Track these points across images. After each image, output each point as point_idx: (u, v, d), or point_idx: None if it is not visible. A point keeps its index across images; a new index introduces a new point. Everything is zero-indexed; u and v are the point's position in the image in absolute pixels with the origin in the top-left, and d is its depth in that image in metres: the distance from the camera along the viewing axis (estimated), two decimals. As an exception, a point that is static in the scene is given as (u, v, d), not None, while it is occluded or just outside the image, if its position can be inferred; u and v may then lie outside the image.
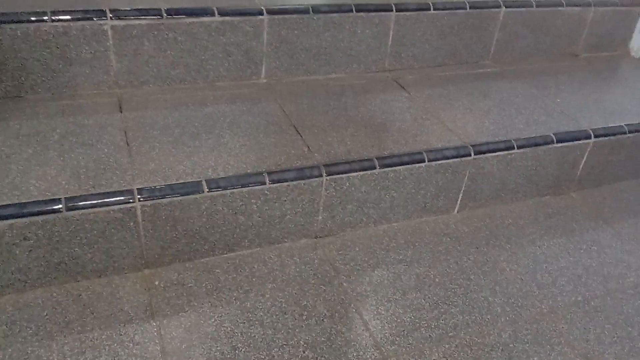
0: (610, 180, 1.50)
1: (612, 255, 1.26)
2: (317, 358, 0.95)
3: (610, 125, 1.42)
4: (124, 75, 1.31)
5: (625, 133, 1.43)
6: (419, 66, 1.58)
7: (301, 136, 1.22)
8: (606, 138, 1.40)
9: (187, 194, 1.02)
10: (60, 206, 0.95)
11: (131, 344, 0.94)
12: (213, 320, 0.99)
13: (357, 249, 1.20)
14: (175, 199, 1.01)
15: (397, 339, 1.00)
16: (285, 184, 1.09)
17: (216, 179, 1.04)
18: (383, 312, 1.06)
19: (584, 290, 1.16)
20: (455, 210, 1.32)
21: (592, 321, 1.08)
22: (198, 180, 1.03)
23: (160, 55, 1.31)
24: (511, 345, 1.01)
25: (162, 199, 1.00)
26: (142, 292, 1.03)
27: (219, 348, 0.94)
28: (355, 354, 0.97)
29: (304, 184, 1.12)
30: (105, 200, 0.98)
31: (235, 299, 1.04)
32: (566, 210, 1.39)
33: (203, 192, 1.02)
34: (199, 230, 1.06)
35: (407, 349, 0.99)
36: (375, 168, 1.18)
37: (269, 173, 1.08)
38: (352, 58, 1.49)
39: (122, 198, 0.99)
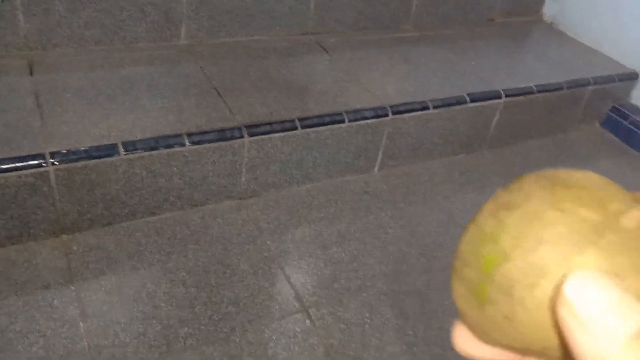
0: (521, 139, 1.60)
1: (519, 207, 1.36)
2: (239, 312, 0.98)
3: (520, 86, 1.50)
4: (35, 37, 1.25)
5: (533, 93, 1.52)
6: (342, 30, 1.60)
7: (222, 98, 1.22)
8: (516, 98, 1.49)
9: (103, 156, 1.00)
10: (-35, 171, 0.92)
11: (49, 309, 0.93)
12: (134, 282, 1.00)
13: (281, 209, 1.23)
14: (90, 162, 0.99)
15: (318, 290, 1.05)
16: (206, 145, 1.10)
17: (133, 141, 1.03)
18: (305, 267, 1.09)
19: (492, 239, 1.24)
20: (376, 169, 1.37)
21: (499, 267, 1.17)
22: (114, 142, 1.02)
23: (74, 16, 1.26)
24: (425, 292, 1.08)
25: (76, 162, 0.98)
26: (60, 258, 1.02)
27: (140, 308, 0.95)
28: (277, 307, 1.00)
29: (225, 145, 1.12)
30: (16, 164, 0.95)
31: (157, 261, 1.04)
32: (479, 167, 1.47)
33: (119, 154, 1.01)
34: (118, 194, 1.05)
35: (327, 299, 1.03)
36: (296, 129, 1.20)
37: (189, 135, 1.08)
38: (275, 20, 1.49)
39: (34, 162, 0.96)
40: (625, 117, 1.74)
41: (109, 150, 1.01)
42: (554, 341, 0.19)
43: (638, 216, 0.19)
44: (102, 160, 1.00)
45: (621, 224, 0.19)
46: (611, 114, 1.77)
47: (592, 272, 0.17)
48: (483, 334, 0.22)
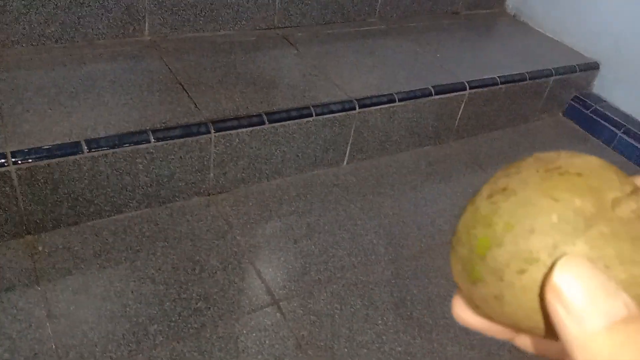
0: (486, 129, 1.63)
1: (485, 196, 1.39)
2: (209, 308, 0.98)
3: (484, 77, 1.53)
4: (-8, 34, 1.22)
5: (497, 84, 1.55)
6: (308, 23, 1.61)
7: (188, 93, 1.21)
8: (480, 89, 1.51)
9: (66, 155, 0.98)
10: None
11: (15, 310, 0.91)
12: (102, 281, 0.99)
13: (251, 204, 1.23)
14: (53, 160, 0.98)
15: (288, 283, 1.06)
16: (172, 141, 1.09)
17: (97, 139, 1.01)
18: (275, 261, 1.10)
19: (459, 228, 1.27)
20: (344, 162, 1.38)
21: (466, 255, 1.20)
22: (77, 140, 1.00)
23: (32, 13, 1.23)
24: (393, 281, 1.10)
25: (38, 161, 0.97)
26: (25, 259, 1.00)
27: (109, 307, 0.95)
28: (247, 301, 1.01)
29: (191, 141, 1.12)
30: (-25, 165, 0.93)
31: (125, 259, 1.03)
32: (445, 158, 1.50)
33: (83, 152, 1.00)
34: (82, 192, 1.04)
35: (298, 291, 1.04)
36: (264, 123, 1.20)
37: (154, 131, 1.07)
38: (240, 14, 1.49)
39: (-6, 162, 0.94)
40: (587, 106, 1.79)
41: (72, 148, 0.99)
42: (540, 323, 0.20)
43: (633, 206, 0.19)
44: (65, 158, 0.99)
45: (616, 213, 0.19)
46: (573, 103, 1.81)
47: (579, 260, 0.18)
48: (476, 308, 0.23)
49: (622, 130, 1.68)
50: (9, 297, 0.93)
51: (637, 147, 1.65)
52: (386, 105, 1.34)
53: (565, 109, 1.83)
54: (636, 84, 1.71)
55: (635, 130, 1.67)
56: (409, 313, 1.04)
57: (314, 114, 1.26)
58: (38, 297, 0.94)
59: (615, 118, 1.72)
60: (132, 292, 0.98)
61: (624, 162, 1.64)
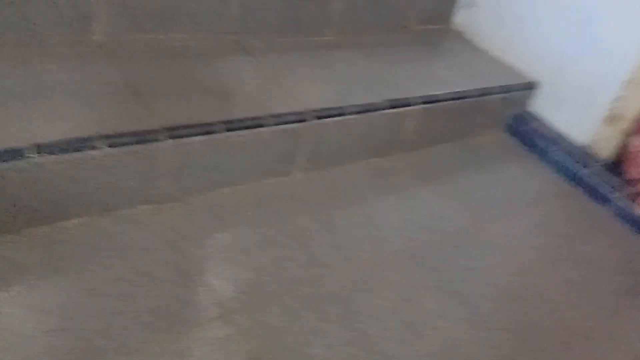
0: (434, 143, 1.69)
1: (431, 209, 1.43)
2: (156, 321, 0.96)
3: (433, 93, 1.58)
4: None
5: (446, 100, 1.61)
6: (264, 32, 1.60)
7: (141, 99, 1.18)
8: (429, 105, 1.56)
9: (9, 160, 0.94)
10: None
11: (-53, 325, 0.86)
12: (45, 292, 0.95)
13: (203, 213, 1.21)
14: (-5, 166, 0.93)
15: (238, 295, 1.05)
16: (122, 148, 1.06)
17: (43, 145, 0.97)
18: (226, 273, 1.09)
19: (406, 240, 1.31)
20: (298, 173, 1.39)
21: (412, 267, 1.24)
22: (23, 145, 0.96)
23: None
24: (343, 293, 1.12)
25: (-21, 167, 0.92)
26: (-40, 269, 0.95)
27: (51, 321, 0.91)
28: (196, 314, 1.00)
29: (143, 149, 1.09)
30: None
31: (69, 270, 1.00)
32: (396, 171, 1.54)
33: (29, 157, 0.95)
34: (27, 199, 0.99)
35: (247, 303, 1.04)
36: (218, 132, 1.19)
37: (104, 137, 1.04)
38: (196, 19, 1.46)
39: None
40: (525, 123, 1.89)
41: (17, 153, 0.95)
42: None
43: None
44: (10, 163, 0.94)
45: None
46: (514, 120, 1.90)
47: None
48: None
49: (555, 148, 1.79)
50: (-59, 310, 0.88)
51: (567, 163, 1.75)
52: (339, 118, 1.36)
53: (506, 126, 1.92)
54: (571, 104, 1.82)
55: (568, 148, 1.78)
56: (360, 327, 1.06)
57: (268, 124, 1.26)
58: (-26, 309, 0.89)
59: (549, 136, 1.83)
60: (76, 304, 0.95)
61: (557, 178, 1.74)
